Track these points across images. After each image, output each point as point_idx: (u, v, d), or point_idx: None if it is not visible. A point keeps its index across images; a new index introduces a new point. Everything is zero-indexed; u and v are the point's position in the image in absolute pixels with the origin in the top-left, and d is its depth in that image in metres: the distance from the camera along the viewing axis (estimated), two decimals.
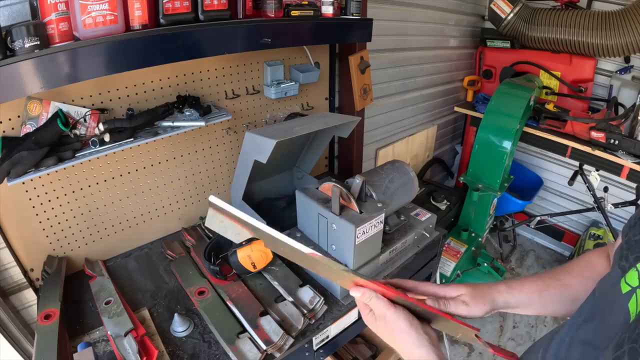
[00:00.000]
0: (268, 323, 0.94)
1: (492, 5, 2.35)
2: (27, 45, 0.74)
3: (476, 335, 0.64)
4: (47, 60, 0.75)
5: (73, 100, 1.03)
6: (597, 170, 2.22)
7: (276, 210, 1.44)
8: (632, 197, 2.24)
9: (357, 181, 1.05)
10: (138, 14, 0.87)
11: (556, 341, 0.60)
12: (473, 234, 2.34)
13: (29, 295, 1.12)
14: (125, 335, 0.89)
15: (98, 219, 1.19)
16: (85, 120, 1.03)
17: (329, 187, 1.06)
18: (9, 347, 1.08)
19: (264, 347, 0.89)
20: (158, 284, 1.13)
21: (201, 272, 1.14)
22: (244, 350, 0.89)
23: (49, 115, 0.98)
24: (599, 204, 2.29)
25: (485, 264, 2.28)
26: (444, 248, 2.24)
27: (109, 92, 1.09)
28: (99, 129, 1.04)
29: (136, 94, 1.14)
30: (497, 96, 2.08)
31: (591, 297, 0.58)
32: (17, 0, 0.87)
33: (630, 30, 1.95)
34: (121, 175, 1.19)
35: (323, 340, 1.03)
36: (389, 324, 0.59)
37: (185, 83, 1.24)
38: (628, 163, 1.93)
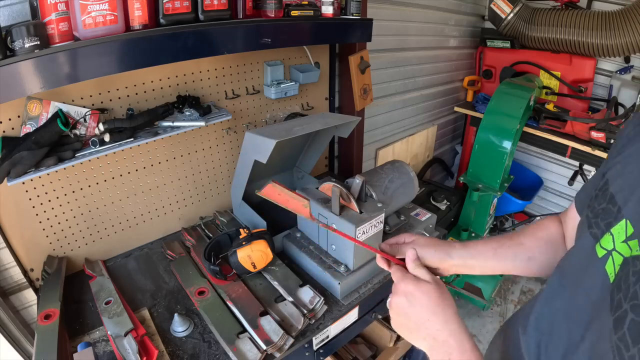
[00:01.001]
0: (268, 323, 0.94)
1: (492, 5, 2.35)
2: (27, 45, 0.74)
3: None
4: (47, 60, 0.75)
5: (73, 100, 1.03)
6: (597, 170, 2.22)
7: (276, 210, 1.43)
8: None
9: (357, 181, 1.05)
10: (138, 14, 0.87)
11: (534, 315, 0.64)
12: (473, 234, 2.34)
13: (29, 295, 1.12)
14: (125, 335, 0.89)
15: (98, 219, 1.19)
16: (85, 120, 1.03)
17: (329, 187, 1.06)
18: (9, 347, 1.08)
19: (264, 347, 0.88)
20: (158, 284, 1.13)
21: (201, 272, 1.14)
22: (244, 350, 0.89)
23: (49, 115, 0.98)
24: None
25: None
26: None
27: (109, 92, 1.09)
28: (99, 129, 1.04)
29: (136, 94, 1.14)
30: (497, 96, 2.08)
31: (559, 268, 0.63)
32: (17, 0, 0.87)
33: (630, 30, 1.95)
34: (121, 175, 1.19)
35: (323, 340, 1.03)
36: (432, 296, 0.59)
37: (185, 83, 1.24)
38: None
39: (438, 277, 0.65)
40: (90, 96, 1.06)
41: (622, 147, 0.57)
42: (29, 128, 0.97)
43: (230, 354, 0.88)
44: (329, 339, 1.05)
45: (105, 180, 1.16)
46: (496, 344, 0.82)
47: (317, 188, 1.13)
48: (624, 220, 0.49)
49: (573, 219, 0.70)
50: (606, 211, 0.53)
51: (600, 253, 0.51)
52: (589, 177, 2.26)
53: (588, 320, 0.51)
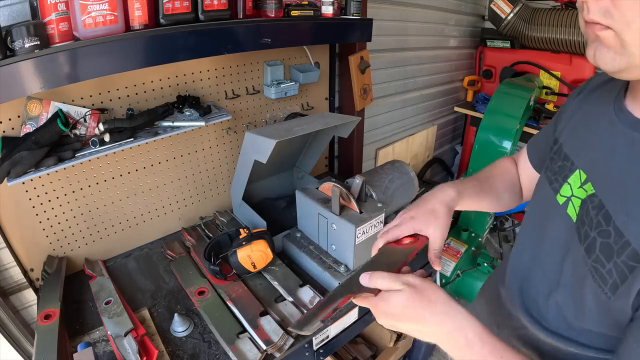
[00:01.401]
0: (268, 323, 0.94)
1: (492, 5, 2.35)
2: (27, 45, 0.74)
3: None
4: (47, 60, 0.75)
5: (73, 100, 1.03)
6: None
7: (276, 210, 1.44)
8: None
9: (357, 181, 1.05)
10: (138, 14, 0.87)
11: (509, 269, 0.77)
12: (473, 234, 2.34)
13: (29, 295, 1.12)
14: (125, 335, 0.89)
15: (98, 219, 1.19)
16: (85, 120, 1.03)
17: (329, 187, 1.06)
18: (9, 347, 1.08)
19: (264, 347, 0.89)
20: (158, 284, 1.13)
21: (201, 272, 1.14)
22: (244, 350, 0.89)
23: (49, 115, 0.98)
24: None
25: (485, 264, 2.28)
26: (444, 248, 2.24)
27: (109, 92, 1.09)
28: (99, 129, 1.04)
29: (136, 94, 1.14)
30: (497, 96, 2.08)
31: (525, 223, 0.75)
32: (17, 0, 0.87)
33: None
34: (121, 175, 1.19)
35: (323, 340, 1.03)
36: (429, 297, 0.53)
37: (185, 83, 1.24)
38: None
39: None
40: (90, 96, 1.06)
41: (573, 113, 0.68)
42: (29, 128, 0.97)
43: (230, 354, 0.88)
44: (329, 339, 1.05)
45: (105, 180, 1.16)
46: (479, 302, 0.92)
47: (317, 188, 1.13)
48: (578, 170, 0.60)
49: (526, 168, 0.84)
50: (562, 167, 0.64)
51: (561, 201, 0.62)
52: None
53: (560, 258, 0.60)
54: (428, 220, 0.65)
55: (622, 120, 0.55)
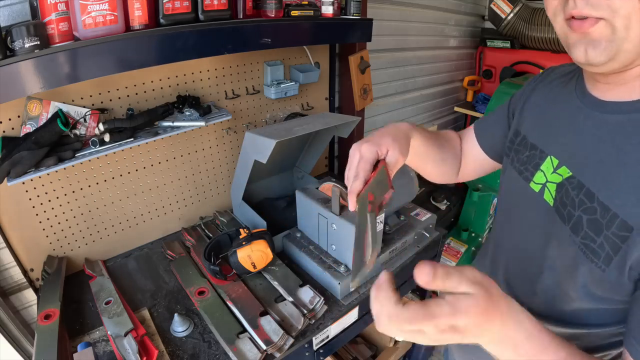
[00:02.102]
0: (268, 323, 0.94)
1: (492, 5, 2.35)
2: (27, 45, 0.74)
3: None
4: (47, 60, 0.75)
5: (73, 100, 1.03)
6: None
7: (276, 210, 1.44)
8: None
9: None
10: (138, 14, 0.87)
11: (491, 263, 0.78)
12: (473, 234, 2.34)
13: (29, 295, 1.12)
14: (125, 335, 0.89)
15: (98, 219, 1.19)
16: (85, 120, 1.03)
17: (329, 187, 1.06)
18: (9, 347, 1.08)
19: (264, 347, 0.88)
20: (158, 284, 1.13)
21: (201, 272, 1.14)
22: (244, 350, 0.89)
23: (49, 115, 0.98)
24: None
25: None
26: (444, 248, 2.24)
27: (109, 92, 1.09)
28: (99, 129, 1.04)
29: (136, 94, 1.14)
30: (497, 96, 2.08)
31: (501, 214, 0.76)
32: (17, 0, 0.87)
33: None
34: (121, 175, 1.19)
35: (323, 340, 1.03)
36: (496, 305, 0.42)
37: (185, 83, 1.24)
38: None
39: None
40: (90, 96, 1.06)
41: (534, 105, 0.70)
42: (29, 128, 0.97)
43: (230, 354, 0.88)
44: (329, 339, 1.05)
45: (105, 180, 1.16)
46: None
47: (317, 188, 1.13)
48: (549, 157, 0.62)
49: (473, 150, 0.86)
50: (531, 157, 0.66)
51: (536, 188, 0.64)
52: None
53: (543, 243, 0.61)
54: (386, 142, 0.63)
55: (587, 104, 0.58)
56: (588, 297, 0.56)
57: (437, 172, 0.85)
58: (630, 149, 0.51)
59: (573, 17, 0.50)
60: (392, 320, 0.39)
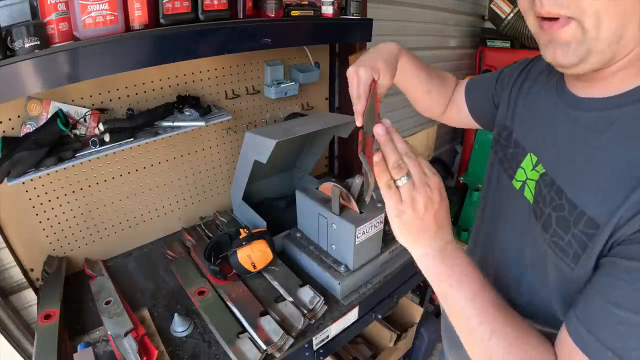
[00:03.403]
0: (268, 323, 0.94)
1: (492, 5, 2.35)
2: (27, 45, 0.74)
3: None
4: (47, 60, 0.75)
5: (73, 100, 1.03)
6: None
7: (276, 210, 1.44)
8: None
9: (357, 181, 1.05)
10: (138, 14, 0.87)
11: (478, 255, 0.79)
12: None
13: (29, 295, 1.12)
14: (125, 335, 0.89)
15: (98, 219, 1.19)
16: (85, 120, 1.03)
17: (329, 187, 1.06)
18: (9, 347, 1.08)
19: (264, 347, 0.89)
20: (158, 284, 1.14)
21: (201, 272, 1.14)
22: (244, 350, 0.89)
23: (49, 115, 0.98)
24: None
25: None
26: None
27: (109, 92, 1.09)
28: (99, 129, 1.04)
29: (136, 94, 1.14)
30: None
31: (487, 213, 0.77)
32: (17, 0, 0.87)
33: None
34: (121, 175, 1.19)
35: (323, 340, 1.03)
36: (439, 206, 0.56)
37: (185, 83, 1.24)
38: None
39: None
40: (90, 96, 1.06)
41: (518, 96, 0.70)
42: (29, 128, 0.97)
43: (230, 354, 0.88)
44: (329, 339, 1.05)
45: (105, 180, 1.16)
46: None
47: (317, 188, 1.13)
48: (529, 154, 0.63)
49: (460, 97, 0.89)
50: (514, 154, 0.67)
51: (517, 185, 0.65)
52: None
53: (523, 240, 0.63)
54: (380, 66, 0.66)
55: (563, 100, 0.58)
56: (563, 298, 0.55)
57: (423, 102, 0.90)
58: (600, 146, 0.50)
59: (543, 17, 0.49)
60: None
